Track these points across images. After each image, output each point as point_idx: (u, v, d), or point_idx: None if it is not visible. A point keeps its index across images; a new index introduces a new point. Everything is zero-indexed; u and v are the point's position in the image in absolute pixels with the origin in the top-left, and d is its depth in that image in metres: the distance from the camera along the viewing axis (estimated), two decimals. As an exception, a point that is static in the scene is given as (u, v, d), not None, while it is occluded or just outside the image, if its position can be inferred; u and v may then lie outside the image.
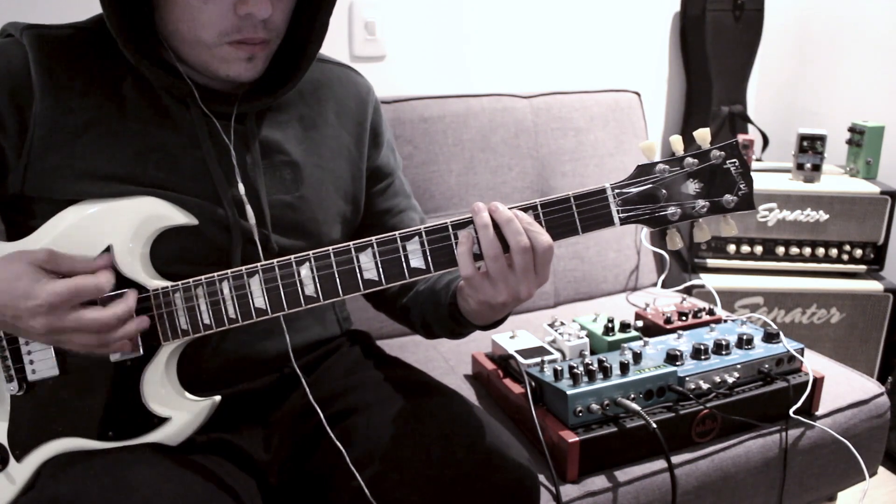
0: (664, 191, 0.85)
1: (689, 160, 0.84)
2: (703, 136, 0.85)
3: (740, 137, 1.99)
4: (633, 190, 0.85)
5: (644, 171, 0.85)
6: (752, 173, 0.86)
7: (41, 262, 0.80)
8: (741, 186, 0.85)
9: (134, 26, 0.87)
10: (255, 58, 0.89)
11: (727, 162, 0.84)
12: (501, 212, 0.82)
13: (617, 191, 0.85)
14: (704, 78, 2.17)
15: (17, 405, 0.88)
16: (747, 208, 0.85)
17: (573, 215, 0.85)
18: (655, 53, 2.21)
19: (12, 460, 0.88)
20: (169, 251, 0.89)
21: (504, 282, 0.83)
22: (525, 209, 0.84)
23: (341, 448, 0.90)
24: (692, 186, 0.85)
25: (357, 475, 0.88)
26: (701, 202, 0.85)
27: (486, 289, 0.84)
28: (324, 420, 0.93)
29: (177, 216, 0.88)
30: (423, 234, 0.84)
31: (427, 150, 1.66)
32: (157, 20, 0.88)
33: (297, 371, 0.96)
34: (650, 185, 0.85)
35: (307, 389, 0.95)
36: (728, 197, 0.84)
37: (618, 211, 0.85)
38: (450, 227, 0.84)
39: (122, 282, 0.86)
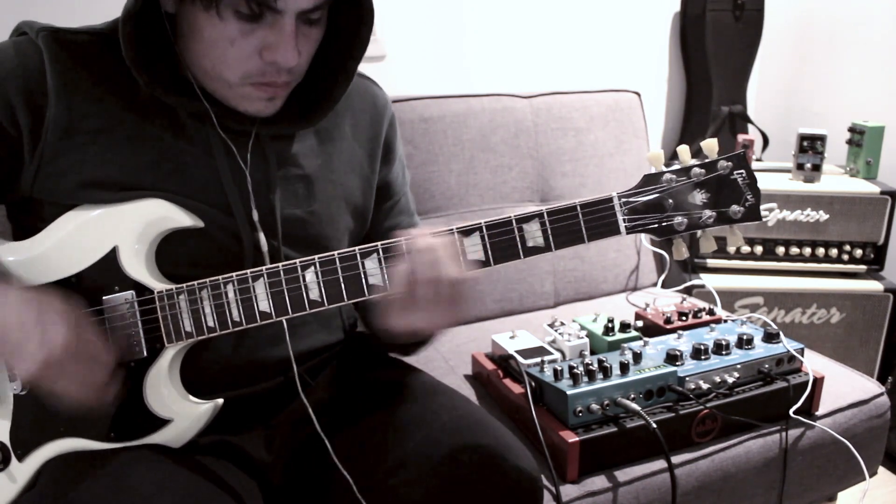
0: (671, 200, 0.85)
1: (696, 170, 0.85)
2: (710, 146, 0.85)
3: (740, 137, 1.99)
4: (640, 199, 0.85)
5: (651, 180, 0.85)
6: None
7: (75, 320, 0.80)
8: (748, 197, 0.85)
9: (151, 47, 0.87)
10: (276, 98, 0.89)
11: (734, 172, 0.85)
12: (426, 239, 0.82)
13: (623, 199, 0.85)
14: (704, 78, 2.17)
15: (20, 404, 0.88)
16: (754, 219, 0.85)
17: (579, 224, 0.85)
18: (655, 53, 2.21)
19: (14, 459, 0.88)
20: (179, 255, 0.89)
21: (426, 308, 0.83)
22: (531, 217, 0.85)
23: (340, 466, 0.90)
24: (699, 196, 0.85)
25: (353, 485, 0.88)
26: (708, 212, 0.85)
27: (410, 312, 0.84)
28: (325, 439, 0.93)
29: (182, 218, 0.88)
30: None
31: (427, 150, 1.66)
32: (180, 49, 0.88)
33: (297, 383, 0.96)
34: (657, 195, 0.85)
35: (306, 402, 0.95)
36: (735, 207, 0.85)
37: (624, 220, 0.85)
38: (456, 234, 0.85)
39: (127, 283, 0.86)
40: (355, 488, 0.89)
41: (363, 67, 1.13)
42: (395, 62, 1.85)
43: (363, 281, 0.85)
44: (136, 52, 0.85)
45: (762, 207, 0.86)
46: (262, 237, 0.93)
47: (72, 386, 0.80)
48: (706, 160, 0.85)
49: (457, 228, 0.84)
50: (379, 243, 0.85)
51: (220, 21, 0.81)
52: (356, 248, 0.85)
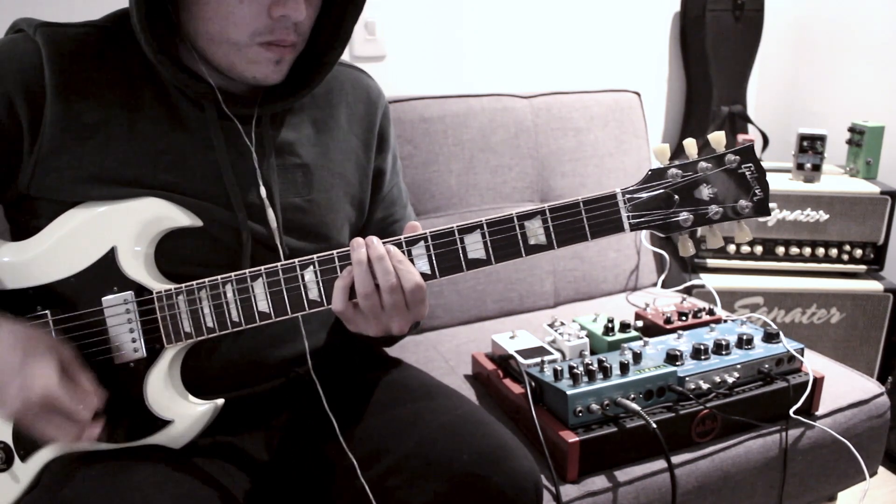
0: (676, 196, 0.83)
1: (703, 164, 0.83)
2: (717, 139, 0.83)
3: (740, 137, 1.99)
4: (645, 195, 0.83)
5: (656, 175, 0.84)
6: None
7: (61, 361, 0.79)
8: (756, 191, 0.83)
9: (154, 25, 0.87)
10: (283, 61, 0.90)
11: (742, 166, 0.83)
12: (375, 248, 0.82)
13: (627, 196, 0.83)
14: (704, 78, 2.17)
15: None
16: (762, 214, 0.84)
17: (582, 221, 0.84)
18: (655, 53, 2.21)
19: (17, 460, 0.88)
20: (178, 253, 0.89)
21: (375, 318, 0.84)
22: (533, 214, 0.84)
23: (350, 454, 0.90)
24: (706, 191, 0.83)
25: (360, 476, 0.88)
26: (714, 207, 0.83)
27: (359, 322, 0.85)
28: (336, 426, 0.93)
29: (181, 218, 0.88)
30: (429, 238, 0.84)
31: (427, 150, 1.66)
32: (183, 20, 0.88)
33: (314, 378, 0.96)
34: (662, 190, 0.83)
35: (322, 397, 0.95)
36: (742, 202, 0.83)
37: (628, 217, 0.84)
38: (456, 232, 0.84)
39: (126, 283, 0.86)
40: (365, 483, 0.88)
41: (364, 67, 1.14)
42: (394, 62, 1.85)
43: None
44: (144, 18, 0.84)
45: (766, 206, 0.84)
46: (270, 213, 0.93)
47: (48, 431, 0.79)
48: (713, 154, 0.83)
49: (457, 227, 0.84)
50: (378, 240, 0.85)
51: None
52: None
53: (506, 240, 0.84)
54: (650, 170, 0.84)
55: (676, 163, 0.84)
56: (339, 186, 1.03)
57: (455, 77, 1.93)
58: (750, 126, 2.24)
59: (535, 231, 0.84)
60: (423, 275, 0.84)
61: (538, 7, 1.99)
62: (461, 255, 0.84)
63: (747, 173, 0.83)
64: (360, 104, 1.07)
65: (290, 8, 0.84)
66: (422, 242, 0.84)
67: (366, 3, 0.95)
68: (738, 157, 0.83)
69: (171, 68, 0.87)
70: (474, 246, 0.84)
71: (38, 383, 0.76)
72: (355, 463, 0.90)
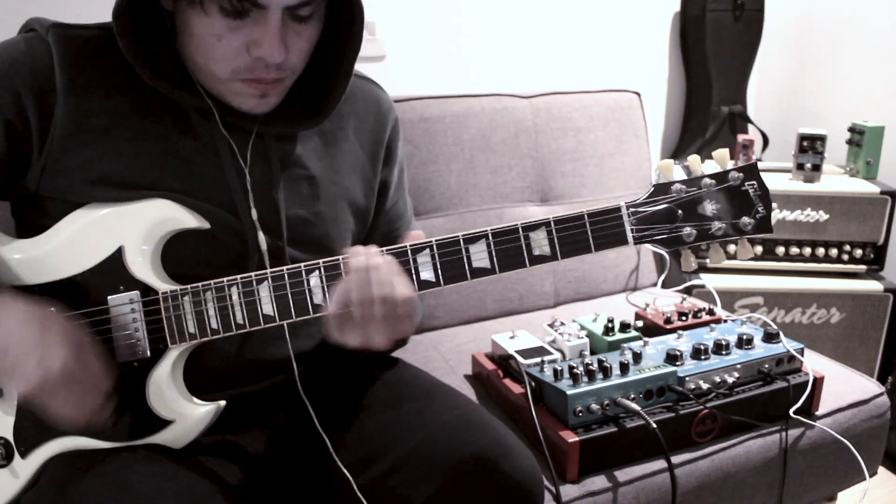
0: (680, 211, 0.85)
1: (707, 181, 0.84)
2: (721, 157, 0.85)
3: (740, 137, 1.99)
4: (649, 209, 0.85)
5: (660, 190, 0.85)
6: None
7: (75, 341, 0.79)
8: (759, 209, 0.84)
9: (153, 45, 0.87)
10: (269, 94, 0.89)
11: (746, 184, 0.84)
12: (371, 257, 0.82)
13: (632, 210, 0.85)
14: (704, 78, 2.17)
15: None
16: (765, 231, 0.85)
17: (586, 233, 0.85)
18: (655, 53, 2.21)
19: (17, 456, 0.88)
20: (183, 255, 0.89)
21: (364, 327, 0.82)
22: (538, 225, 0.85)
23: (344, 470, 0.90)
24: (709, 207, 0.85)
25: (352, 480, 0.89)
26: (717, 224, 0.85)
27: (346, 329, 0.84)
28: (325, 437, 0.93)
29: (188, 219, 0.88)
30: (435, 247, 0.85)
31: (427, 150, 1.66)
32: (179, 44, 0.89)
33: (297, 381, 0.96)
34: (666, 205, 0.85)
35: (308, 405, 0.95)
36: (745, 219, 0.84)
37: (632, 230, 0.85)
38: (461, 241, 0.85)
39: (132, 283, 0.86)
40: (355, 486, 0.89)
41: (362, 67, 1.14)
42: (394, 62, 1.85)
43: None
44: (135, 46, 0.85)
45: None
46: (261, 236, 0.93)
47: (65, 408, 0.79)
48: (717, 171, 0.85)
49: (462, 236, 0.84)
50: (385, 249, 0.85)
51: (206, 17, 0.82)
52: None
53: (510, 250, 0.85)
54: (654, 184, 0.85)
55: (681, 179, 0.85)
56: (343, 199, 1.02)
57: (455, 77, 1.93)
58: (750, 126, 2.24)
59: (540, 242, 0.86)
60: (428, 283, 0.85)
61: (538, 7, 1.99)
62: (466, 263, 0.85)
63: (750, 191, 0.84)
64: (369, 116, 1.07)
65: (265, 50, 0.82)
66: (427, 251, 0.85)
67: (363, 40, 0.93)
68: (741, 174, 0.84)
69: (172, 91, 0.87)
70: (479, 255, 0.85)
71: (57, 358, 0.76)
72: (344, 470, 0.90)
